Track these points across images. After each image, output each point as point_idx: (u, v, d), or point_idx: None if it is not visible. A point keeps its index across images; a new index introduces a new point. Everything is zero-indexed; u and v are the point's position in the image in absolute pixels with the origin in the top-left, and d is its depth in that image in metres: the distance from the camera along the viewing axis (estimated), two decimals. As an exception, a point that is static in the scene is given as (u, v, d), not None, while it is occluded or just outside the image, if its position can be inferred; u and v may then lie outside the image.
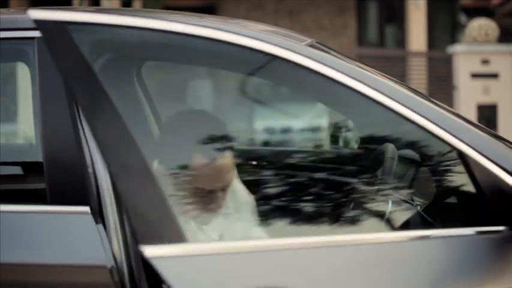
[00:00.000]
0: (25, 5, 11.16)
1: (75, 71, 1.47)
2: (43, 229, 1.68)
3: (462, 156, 1.67)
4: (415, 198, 2.07)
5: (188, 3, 13.97)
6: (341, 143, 2.71)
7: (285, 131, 11.21)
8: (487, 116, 7.40)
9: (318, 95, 2.04)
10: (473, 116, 7.42)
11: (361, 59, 8.75)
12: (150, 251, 1.34)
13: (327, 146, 3.06)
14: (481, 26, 7.84)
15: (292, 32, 2.04)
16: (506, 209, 1.62)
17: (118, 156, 1.39)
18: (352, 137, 2.67)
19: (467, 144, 1.67)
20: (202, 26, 1.72)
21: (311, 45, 1.89)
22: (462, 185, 1.73)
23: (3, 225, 1.64)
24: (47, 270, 1.64)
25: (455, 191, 1.77)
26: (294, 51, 1.74)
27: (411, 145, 2.00)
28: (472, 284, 1.61)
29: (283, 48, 1.74)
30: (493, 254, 1.62)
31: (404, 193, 2.10)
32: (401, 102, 1.70)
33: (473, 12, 13.29)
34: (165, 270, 1.33)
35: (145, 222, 1.32)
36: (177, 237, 1.38)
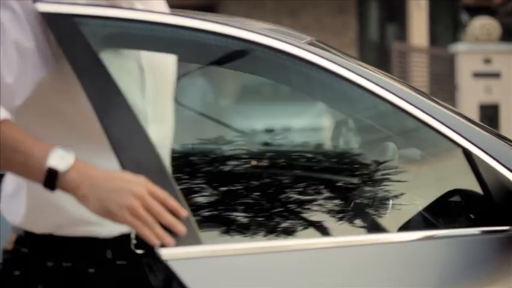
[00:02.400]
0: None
1: (86, 66, 1.44)
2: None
3: (468, 155, 1.65)
4: (416, 198, 2.06)
5: (188, 2, 13.94)
6: (342, 143, 2.70)
7: (286, 130, 11.22)
8: (489, 116, 7.39)
9: (319, 94, 2.03)
10: (475, 115, 7.40)
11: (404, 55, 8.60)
12: (166, 253, 1.31)
13: (328, 145, 3.04)
14: (483, 25, 7.81)
15: (292, 31, 2.03)
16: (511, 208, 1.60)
17: (132, 155, 1.34)
18: (352, 137, 2.65)
19: (473, 144, 1.66)
20: (210, 21, 1.70)
21: (311, 44, 1.88)
22: (467, 185, 1.71)
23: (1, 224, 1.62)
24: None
25: (460, 190, 1.76)
26: (296, 48, 1.73)
27: (414, 144, 1.99)
28: (476, 283, 1.60)
29: (285, 44, 1.73)
30: (498, 253, 1.60)
31: (405, 192, 2.09)
32: (407, 100, 1.68)
33: (475, 11, 13.27)
34: (182, 272, 1.32)
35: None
36: (193, 239, 1.36)
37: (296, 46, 1.67)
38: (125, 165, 1.30)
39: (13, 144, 1.20)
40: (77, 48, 1.43)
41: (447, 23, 15.84)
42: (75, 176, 1.21)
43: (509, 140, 1.87)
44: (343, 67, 1.69)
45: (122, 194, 1.20)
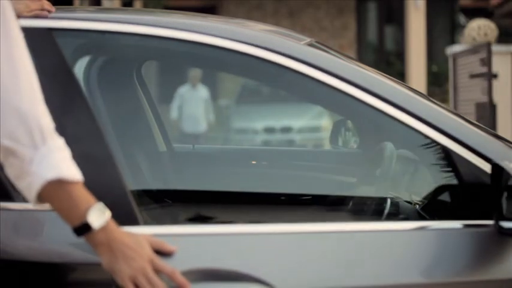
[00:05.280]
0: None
1: (55, 71, 1.65)
2: (44, 226, 1.69)
3: (449, 153, 1.72)
4: (413, 196, 2.10)
5: (189, 4, 13.97)
6: (340, 143, 2.73)
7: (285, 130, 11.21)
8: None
9: (316, 96, 2.07)
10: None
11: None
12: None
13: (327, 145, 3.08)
14: (480, 27, 7.83)
15: (291, 32, 2.06)
16: (491, 202, 1.66)
17: (84, 148, 1.55)
18: (351, 137, 2.68)
19: (460, 142, 1.72)
20: (186, 30, 1.79)
21: (310, 45, 1.91)
22: (453, 180, 1.76)
23: (2, 222, 1.65)
24: (51, 268, 1.65)
25: (449, 186, 1.80)
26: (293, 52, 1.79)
27: (406, 145, 2.03)
28: (459, 274, 1.66)
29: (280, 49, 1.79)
30: (480, 246, 1.67)
31: (403, 191, 2.12)
32: (394, 102, 1.75)
33: (473, 13, 13.29)
34: None
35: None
36: (132, 219, 1.56)
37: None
38: (75, 156, 1.43)
39: (73, 198, 1.41)
40: (51, 57, 1.64)
41: (445, 24, 15.87)
42: (101, 236, 1.42)
43: (504, 139, 1.91)
44: (337, 70, 1.77)
45: (129, 263, 1.43)
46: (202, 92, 10.17)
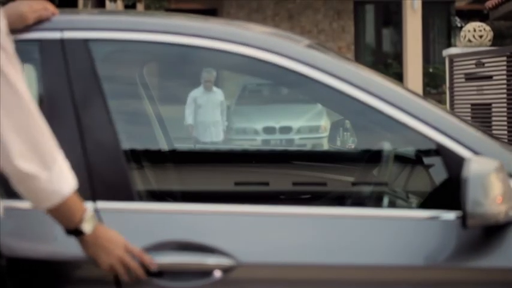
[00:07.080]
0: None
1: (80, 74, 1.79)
2: (46, 224, 1.74)
3: (444, 151, 1.77)
4: (410, 195, 2.14)
5: (190, 6, 14.01)
6: (339, 143, 2.77)
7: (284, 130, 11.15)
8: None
9: (315, 95, 2.12)
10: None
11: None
12: (101, 205, 1.71)
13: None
14: (475, 29, 7.89)
15: (291, 34, 2.11)
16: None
17: (96, 137, 1.73)
18: (349, 137, 2.73)
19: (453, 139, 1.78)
20: (199, 36, 1.86)
21: (309, 46, 1.97)
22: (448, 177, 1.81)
23: (10, 220, 1.67)
24: (60, 265, 1.70)
25: (444, 182, 1.84)
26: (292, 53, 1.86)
27: (403, 143, 2.07)
28: (449, 260, 1.72)
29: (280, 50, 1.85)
30: (476, 235, 1.72)
31: (400, 190, 2.17)
32: (389, 101, 1.80)
33: (468, 15, 13.37)
34: (110, 219, 1.70)
35: (102, 182, 1.65)
36: (128, 196, 1.74)
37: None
38: (87, 146, 1.64)
39: (69, 207, 1.58)
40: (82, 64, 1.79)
41: (441, 27, 15.91)
42: (89, 237, 1.62)
43: (500, 139, 1.94)
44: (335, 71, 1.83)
45: (109, 254, 1.63)
46: (218, 94, 9.13)
